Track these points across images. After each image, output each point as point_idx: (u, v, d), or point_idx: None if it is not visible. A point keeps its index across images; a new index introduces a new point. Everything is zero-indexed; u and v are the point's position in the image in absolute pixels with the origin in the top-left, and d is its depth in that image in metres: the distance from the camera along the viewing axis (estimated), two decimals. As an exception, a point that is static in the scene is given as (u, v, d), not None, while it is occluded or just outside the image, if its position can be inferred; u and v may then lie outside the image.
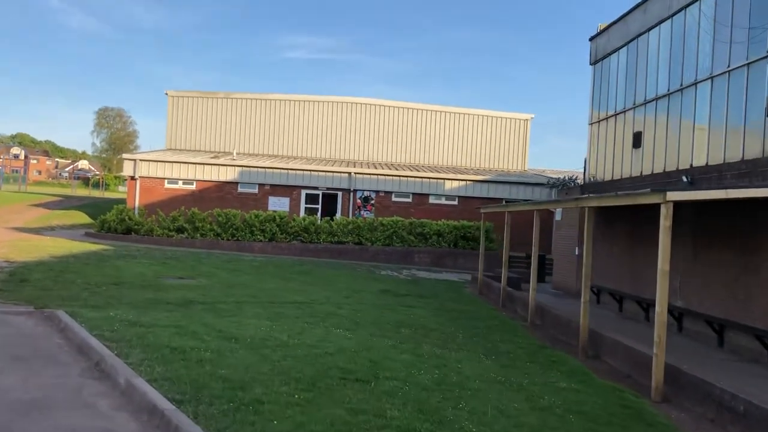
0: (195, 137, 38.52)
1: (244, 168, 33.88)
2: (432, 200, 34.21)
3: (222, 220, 27.20)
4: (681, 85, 16.18)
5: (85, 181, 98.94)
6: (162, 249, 24.80)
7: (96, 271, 16.76)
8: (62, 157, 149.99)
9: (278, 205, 33.92)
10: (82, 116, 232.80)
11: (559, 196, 23.69)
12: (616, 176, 19.67)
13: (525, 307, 17.14)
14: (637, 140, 18.40)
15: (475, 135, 38.99)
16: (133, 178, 33.66)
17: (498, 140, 39.18)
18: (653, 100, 17.65)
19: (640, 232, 17.41)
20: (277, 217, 27.76)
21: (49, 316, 10.26)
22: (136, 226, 27.33)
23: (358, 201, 34.12)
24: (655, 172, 17.24)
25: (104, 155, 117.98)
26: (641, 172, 18.04)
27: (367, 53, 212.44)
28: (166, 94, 39.33)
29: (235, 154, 36.17)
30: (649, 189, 12.77)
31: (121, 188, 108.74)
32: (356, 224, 29.09)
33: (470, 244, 30.39)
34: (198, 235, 27.01)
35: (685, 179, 15.26)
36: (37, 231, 29.14)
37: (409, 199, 34.21)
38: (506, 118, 39.41)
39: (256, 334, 9.92)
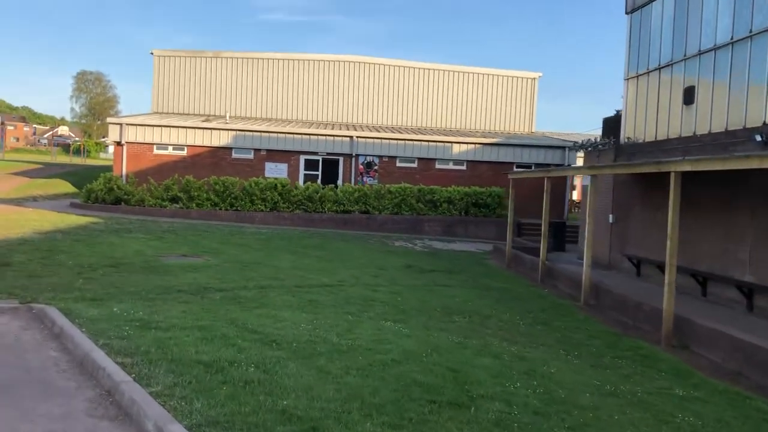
0: (184, 100, 35.98)
1: (238, 132, 31.52)
2: (438, 165, 32.16)
3: (219, 188, 25.01)
4: (750, 31, 14.18)
5: (65, 148, 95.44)
6: (156, 221, 22.62)
7: (88, 249, 14.63)
8: (40, 124, 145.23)
9: (275, 171, 31.71)
10: (59, 81, 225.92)
11: (590, 159, 21.85)
12: (661, 136, 17.75)
13: (570, 284, 15.33)
14: (689, 96, 16.45)
15: (480, 96, 36.82)
16: (119, 143, 31.19)
17: (504, 101, 37.07)
18: (710, 51, 15.65)
19: (694, 199, 15.59)
20: (278, 185, 25.61)
21: (38, 314, 8.21)
22: (125, 196, 25.07)
23: (361, 167, 32.01)
24: (714, 131, 15.32)
25: (83, 121, 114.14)
26: (694, 132, 16.12)
27: (344, 14, 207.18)
28: (152, 53, 36.59)
29: (228, 118, 33.77)
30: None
31: (102, 155, 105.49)
32: (362, 192, 27.05)
33: (482, 211, 28.53)
34: (194, 205, 24.83)
35: (759, 138, 13.38)
36: (18, 202, 26.78)
37: (415, 165, 32.14)
38: (513, 77, 37.23)
39: (299, 334, 7.96)
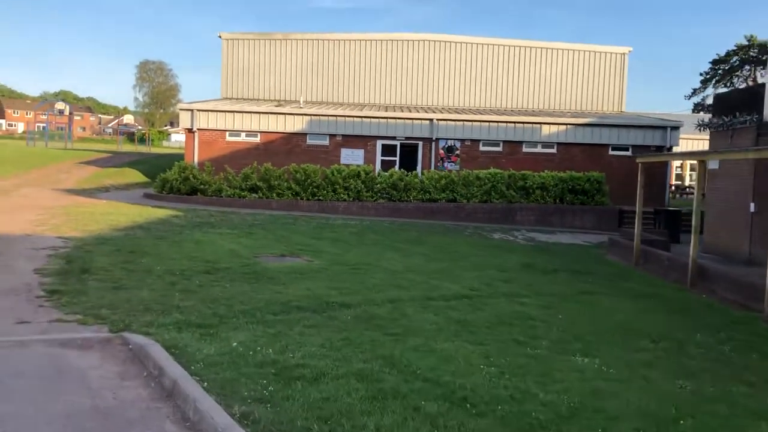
0: (253, 85, 34.11)
1: (313, 117, 29.46)
2: (526, 149, 29.45)
3: (300, 177, 22.96)
4: None
5: (129, 137, 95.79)
6: (236, 213, 20.72)
7: (175, 250, 12.69)
8: (104, 114, 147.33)
9: (351, 158, 29.56)
10: (121, 72, 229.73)
11: (717, 140, 18.98)
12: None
13: (735, 289, 12.63)
14: None
15: (564, 73, 33.79)
16: (190, 130, 29.53)
17: (591, 79, 33.96)
18: None
19: None
20: (362, 172, 23.42)
21: (137, 352, 6.15)
22: (202, 186, 23.27)
23: (441, 151, 29.57)
24: None
25: (146, 110, 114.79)
26: None
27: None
28: (220, 36, 34.77)
29: (302, 102, 31.76)
30: None
31: (165, 143, 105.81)
32: (449, 179, 24.63)
33: (579, 199, 25.75)
34: (274, 195, 22.85)
35: None
36: (90, 193, 25.34)
37: (499, 148, 29.52)
38: (600, 52, 34.03)
39: (488, 385, 5.69)
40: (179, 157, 50.29)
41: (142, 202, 22.77)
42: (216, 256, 12.16)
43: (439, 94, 33.53)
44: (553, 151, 29.37)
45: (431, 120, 29.17)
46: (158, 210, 19.97)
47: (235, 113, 29.41)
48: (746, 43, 61.12)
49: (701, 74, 65.33)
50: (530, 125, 29.17)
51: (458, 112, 30.46)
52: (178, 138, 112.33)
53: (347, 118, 29.45)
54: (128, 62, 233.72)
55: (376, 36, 34.01)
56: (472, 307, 9.35)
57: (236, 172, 23.84)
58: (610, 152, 29.22)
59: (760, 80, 55.43)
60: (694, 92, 65.60)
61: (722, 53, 62.48)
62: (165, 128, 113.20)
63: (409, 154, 31.00)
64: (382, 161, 29.46)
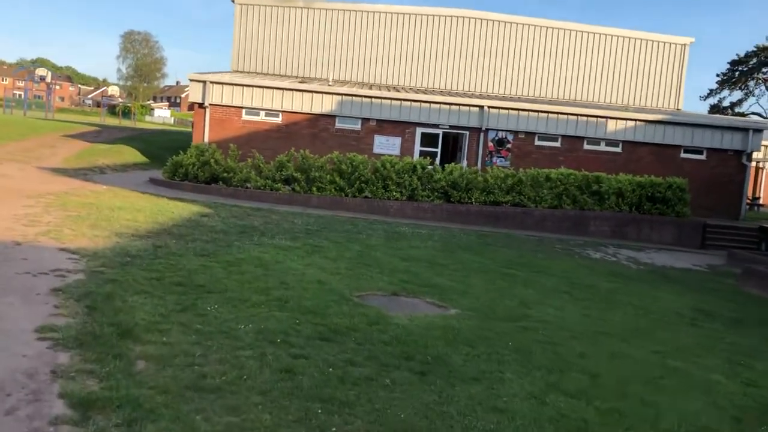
0: (268, 58, 29.52)
1: (344, 96, 25.09)
2: (587, 146, 25.50)
3: (346, 168, 18.61)
4: None
5: (111, 110, 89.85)
6: (275, 211, 16.36)
7: (239, 280, 8.37)
8: (83, 85, 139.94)
9: (386, 147, 25.32)
10: (102, 43, 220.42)
11: None
12: None
13: None
14: None
15: (621, 63, 29.85)
16: (201, 105, 24.96)
17: (647, 70, 30.07)
18: None
19: None
20: (417, 166, 19.15)
21: None
22: (225, 174, 18.78)
23: (490, 144, 25.46)
24: None
25: (129, 83, 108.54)
26: None
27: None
28: (233, 1, 30.10)
29: (331, 80, 27.35)
30: None
31: (148, 118, 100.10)
32: (517, 178, 20.53)
33: (657, 208, 21.83)
34: (314, 188, 18.46)
35: None
36: (84, 175, 20.73)
37: (557, 144, 25.50)
38: (659, 41, 30.14)
39: None
40: (177, 134, 45.35)
41: (150, 190, 18.26)
42: (310, 297, 7.88)
43: (484, 80, 29.31)
44: (618, 150, 25.46)
45: (482, 107, 25.02)
46: (177, 204, 15.51)
47: (254, 88, 24.91)
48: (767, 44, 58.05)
49: (718, 75, 62.43)
50: (594, 119, 25.19)
51: (512, 100, 26.33)
52: (161, 113, 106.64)
53: (383, 101, 25.17)
54: (110, 33, 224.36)
55: (414, 10, 29.67)
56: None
57: (266, 160, 19.40)
58: (682, 155, 25.40)
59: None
60: (711, 93, 62.52)
61: (742, 54, 59.46)
62: (148, 103, 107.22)
63: (452, 145, 26.91)
64: (421, 152, 25.26)
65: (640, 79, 29.88)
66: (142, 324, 6.15)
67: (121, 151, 28.29)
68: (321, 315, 7.09)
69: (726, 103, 62.41)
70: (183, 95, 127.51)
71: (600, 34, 29.67)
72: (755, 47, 58.76)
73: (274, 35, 29.34)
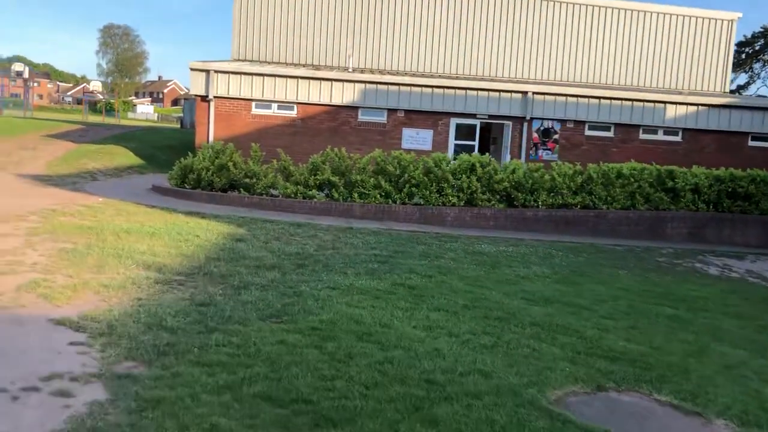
0: (274, 44, 25.85)
1: (368, 84, 21.65)
2: (643, 135, 22.32)
3: (393, 170, 15.13)
4: None
5: (92, 106, 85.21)
6: (316, 225, 12.88)
7: (353, 380, 4.99)
8: (62, 82, 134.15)
9: (416, 141, 21.98)
10: (80, 38, 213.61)
11: None
12: None
13: None
14: None
15: (666, 43, 26.66)
16: (204, 98, 21.37)
17: (694, 49, 26.93)
18: None
19: None
20: (476, 164, 15.75)
21: None
22: (247, 180, 15.22)
23: (535, 135, 22.19)
24: None
25: (110, 78, 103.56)
26: None
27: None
28: (232, -21, 26.35)
29: (350, 67, 23.86)
30: None
31: (131, 115, 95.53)
32: (586, 175, 17.25)
33: (738, 205, 18.68)
34: (355, 195, 15.00)
35: None
36: (73, 183, 17.11)
37: (610, 133, 22.30)
38: (703, 17, 26.98)
39: None
40: (169, 131, 41.17)
41: (157, 201, 14.70)
42: (489, 407, 4.54)
43: (523, 65, 25.87)
44: (678, 138, 22.32)
45: (525, 93, 21.71)
46: (198, 222, 12.00)
47: (266, 77, 21.38)
48: (775, 24, 55.35)
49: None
50: (651, 104, 21.99)
51: (558, 85, 23.04)
52: (144, 109, 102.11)
53: (413, 88, 21.76)
54: (88, 28, 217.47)
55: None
56: None
57: (296, 163, 15.88)
58: (750, 143, 22.33)
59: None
60: (715, 76, 59.75)
61: (748, 35, 56.77)
62: (130, 99, 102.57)
63: (491, 137, 23.63)
64: (456, 147, 21.94)
65: (687, 60, 26.73)
66: None
67: (112, 152, 24.56)
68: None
69: (733, 87, 59.72)
70: (166, 90, 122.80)
71: (643, 11, 26.42)
72: (762, 28, 56.01)
73: (279, 18, 25.69)
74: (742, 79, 59.89)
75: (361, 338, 6.02)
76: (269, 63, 24.33)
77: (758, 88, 78.14)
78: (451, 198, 15.43)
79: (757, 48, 57.39)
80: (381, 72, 23.81)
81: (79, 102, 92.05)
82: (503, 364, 5.67)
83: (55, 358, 5.00)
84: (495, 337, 6.48)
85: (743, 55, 57.74)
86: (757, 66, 59.72)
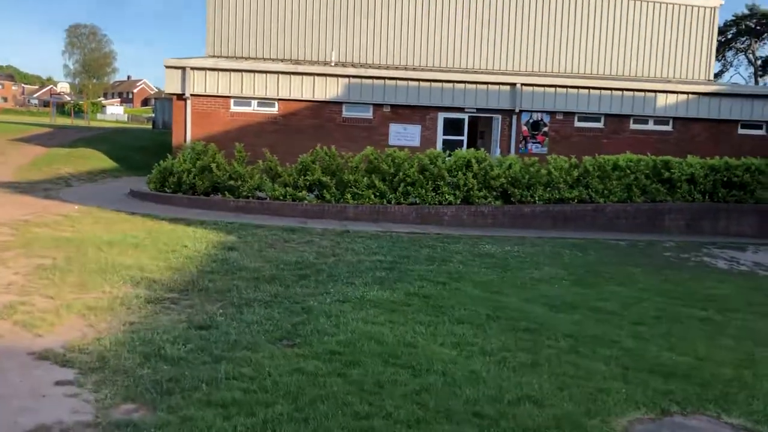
0: (250, 39, 24.88)
1: (352, 79, 20.93)
2: (634, 125, 21.95)
3: (387, 168, 14.44)
4: None
5: (60, 108, 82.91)
6: (310, 230, 12.15)
7: (393, 419, 4.30)
8: (26, 83, 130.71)
9: (403, 136, 21.33)
10: (45, 39, 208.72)
11: None
12: None
13: None
14: None
15: (650, 31, 26.31)
16: (181, 96, 20.47)
17: (678, 37, 26.62)
18: None
19: None
20: (472, 160, 15.14)
21: None
22: (232, 182, 14.41)
23: (524, 128, 21.68)
24: None
25: (77, 79, 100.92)
26: None
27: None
28: (206, -27, 25.33)
29: (333, 61, 23.10)
30: None
31: (99, 116, 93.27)
32: (582, 168, 16.76)
33: (733, 195, 18.37)
34: (348, 196, 14.28)
35: None
36: (45, 190, 16.12)
37: (600, 124, 21.89)
38: (687, 5, 26.67)
39: None
40: (140, 132, 39.78)
41: (137, 207, 13.82)
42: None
43: (509, 58, 25.22)
44: (668, 128, 22.00)
45: (514, 85, 21.18)
46: (185, 229, 11.19)
47: (244, 72, 20.56)
48: (747, 12, 55.67)
49: (699, 46, 59.92)
50: (642, 94, 21.62)
51: (547, 76, 22.55)
52: (114, 110, 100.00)
53: (399, 82, 21.11)
54: (52, 28, 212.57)
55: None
56: None
57: (284, 164, 15.10)
58: (740, 131, 22.09)
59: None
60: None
61: (721, 24, 57.07)
62: (99, 99, 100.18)
63: (479, 131, 23.06)
64: (444, 142, 21.33)
65: (671, 48, 26.39)
66: None
67: (84, 155, 23.47)
68: None
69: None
70: (135, 90, 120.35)
71: (625, -1, 26.01)
72: (733, 16, 56.37)
73: (256, 12, 24.74)
74: (716, 67, 60.13)
75: (387, 362, 5.34)
76: (246, 59, 23.44)
77: (731, 77, 78.88)
78: (447, 196, 14.80)
79: (729, 36, 57.63)
80: (364, 66, 23.05)
81: (45, 104, 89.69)
82: (552, 388, 5.04)
83: (40, 403, 4.24)
84: (532, 354, 5.84)
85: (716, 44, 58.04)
86: (729, 54, 60.08)
